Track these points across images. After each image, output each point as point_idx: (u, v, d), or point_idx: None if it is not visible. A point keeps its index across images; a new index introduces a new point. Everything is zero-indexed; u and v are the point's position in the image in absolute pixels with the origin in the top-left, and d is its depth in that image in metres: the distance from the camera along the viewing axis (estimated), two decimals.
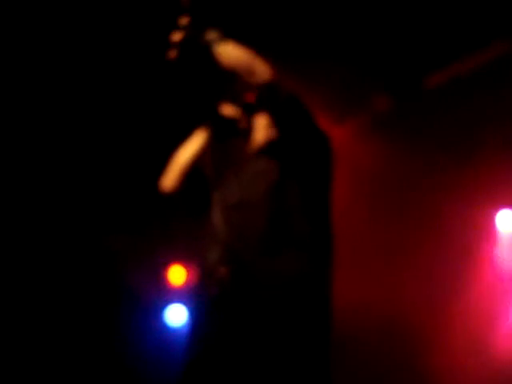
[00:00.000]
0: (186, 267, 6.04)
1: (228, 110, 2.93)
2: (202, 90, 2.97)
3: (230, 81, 2.84)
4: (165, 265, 6.06)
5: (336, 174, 2.83)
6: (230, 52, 2.77)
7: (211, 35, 2.80)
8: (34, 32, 4.55)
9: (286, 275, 2.61)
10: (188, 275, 6.01)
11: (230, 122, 2.92)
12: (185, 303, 5.88)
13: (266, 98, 2.76)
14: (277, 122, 2.82)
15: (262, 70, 2.76)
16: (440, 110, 5.03)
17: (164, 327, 5.94)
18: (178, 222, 5.66)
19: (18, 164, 5.30)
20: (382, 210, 5.36)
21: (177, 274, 6.06)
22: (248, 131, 2.92)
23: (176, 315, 5.94)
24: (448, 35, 4.67)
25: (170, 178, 2.96)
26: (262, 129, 2.92)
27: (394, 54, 4.78)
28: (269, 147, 2.90)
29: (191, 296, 2.90)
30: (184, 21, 2.79)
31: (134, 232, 5.95)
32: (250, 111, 2.95)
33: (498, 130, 5.00)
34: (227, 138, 2.94)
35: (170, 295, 6.01)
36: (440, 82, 4.97)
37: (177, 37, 2.77)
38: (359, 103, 5.20)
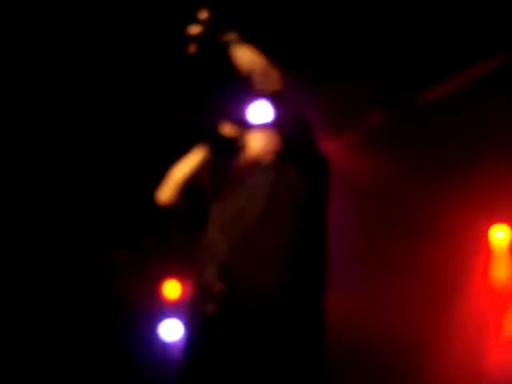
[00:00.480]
0: (181, 282, 6.03)
1: (228, 129, 2.95)
2: (213, 88, 3.03)
3: (243, 84, 2.87)
4: (160, 279, 6.06)
5: (331, 189, 2.84)
6: (247, 55, 2.80)
7: (230, 36, 2.83)
8: (38, 31, 4.54)
9: (282, 290, 2.60)
10: (183, 290, 6.01)
11: (229, 141, 2.94)
12: (180, 318, 5.87)
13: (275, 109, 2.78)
14: (281, 136, 2.84)
15: (274, 77, 2.79)
16: (433, 124, 5.06)
17: (159, 341, 5.92)
18: (174, 236, 5.69)
19: (18, 171, 5.29)
20: (376, 222, 5.37)
21: (172, 289, 6.05)
22: (244, 146, 2.94)
23: (171, 330, 5.93)
24: (441, 51, 4.71)
25: (166, 192, 2.96)
26: (257, 141, 2.94)
27: (388, 69, 4.81)
28: (268, 161, 2.93)
29: (186, 311, 2.89)
30: (204, 16, 2.82)
31: (130, 245, 5.96)
32: (245, 126, 2.99)
33: (492, 145, 5.04)
34: (226, 155, 2.96)
35: (165, 310, 6.01)
36: (434, 97, 5.00)
37: (195, 30, 2.80)
38: (353, 117, 5.23)
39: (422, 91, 5.05)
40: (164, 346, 5.87)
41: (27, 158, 5.26)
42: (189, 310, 2.79)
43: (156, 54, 4.65)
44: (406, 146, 5.18)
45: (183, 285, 6.05)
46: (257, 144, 2.95)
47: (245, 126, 3.00)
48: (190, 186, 2.95)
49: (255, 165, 2.95)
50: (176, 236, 5.72)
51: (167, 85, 4.88)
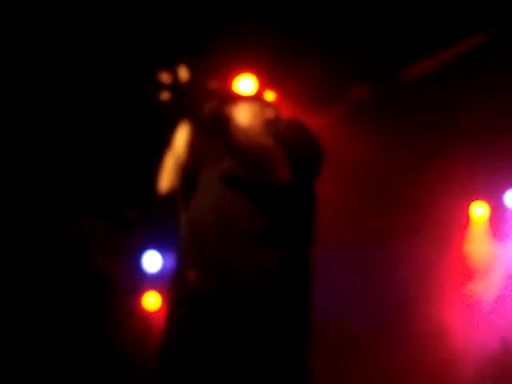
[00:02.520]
0: (161, 253, 6.03)
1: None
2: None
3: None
4: (141, 250, 6.04)
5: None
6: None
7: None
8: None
9: (265, 271, 2.50)
10: (164, 262, 6.00)
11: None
12: (160, 290, 5.88)
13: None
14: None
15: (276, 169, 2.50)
16: (417, 101, 5.08)
17: (140, 313, 5.93)
18: (155, 206, 5.67)
19: None
20: (361, 198, 5.40)
21: (151, 301, 6.02)
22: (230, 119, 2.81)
23: (152, 301, 5.94)
24: (426, 26, 4.71)
25: (166, 181, 2.84)
26: (244, 113, 2.79)
27: (374, 44, 4.80)
28: None
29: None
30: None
31: (110, 216, 5.92)
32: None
33: (475, 121, 5.08)
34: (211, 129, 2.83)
35: (145, 282, 6.00)
36: (418, 74, 5.01)
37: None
38: (339, 93, 5.22)
39: (407, 66, 5.05)
40: (145, 317, 5.88)
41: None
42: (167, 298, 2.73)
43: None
44: (390, 121, 5.20)
45: (164, 257, 6.05)
46: (244, 115, 2.79)
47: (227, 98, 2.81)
48: (187, 167, 2.83)
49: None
50: (157, 206, 5.70)
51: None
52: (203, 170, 2.83)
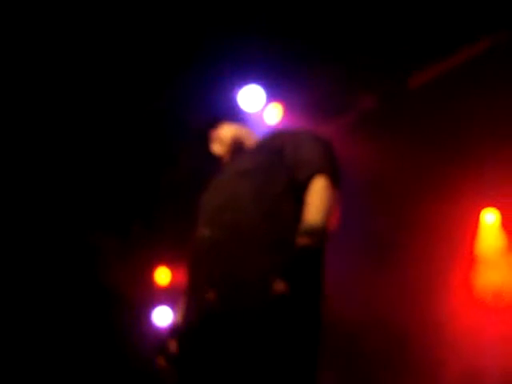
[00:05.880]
0: (171, 268, 6.02)
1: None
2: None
3: None
4: (151, 265, 6.04)
5: None
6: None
7: None
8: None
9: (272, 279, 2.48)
10: (174, 276, 5.99)
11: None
12: (171, 305, 5.86)
13: None
14: None
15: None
16: (426, 108, 5.06)
17: (151, 328, 5.91)
18: (163, 222, 5.66)
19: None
20: (367, 207, 5.38)
21: (163, 275, 6.02)
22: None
23: (163, 316, 5.91)
24: (432, 34, 4.70)
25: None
26: (227, 131, 3.11)
27: (380, 52, 4.79)
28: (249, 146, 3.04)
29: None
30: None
31: (119, 231, 5.92)
32: None
33: (484, 128, 5.05)
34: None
35: (156, 296, 5.99)
36: (425, 80, 4.99)
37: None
38: (345, 101, 5.22)
39: (414, 74, 5.04)
40: (156, 332, 5.86)
41: (11, 142, 5.21)
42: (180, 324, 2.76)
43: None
44: (397, 130, 5.19)
45: (174, 271, 6.04)
46: (227, 133, 3.07)
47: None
48: None
49: (235, 151, 3.01)
50: (165, 221, 5.70)
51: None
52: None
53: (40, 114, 5.06)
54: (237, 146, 3.04)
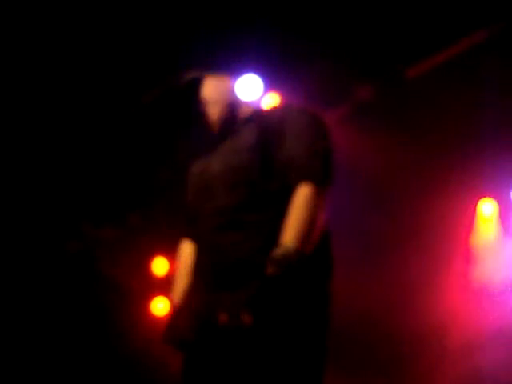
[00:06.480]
0: (169, 259, 6.01)
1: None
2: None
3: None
4: (148, 256, 6.04)
5: None
6: None
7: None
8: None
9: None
10: (171, 266, 5.99)
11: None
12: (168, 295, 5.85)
13: None
14: None
15: None
16: (423, 99, 5.06)
17: (148, 318, 5.92)
18: (161, 211, 5.66)
19: None
20: (366, 199, 5.38)
21: (160, 265, 6.02)
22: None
23: (160, 307, 5.93)
24: (429, 24, 4.69)
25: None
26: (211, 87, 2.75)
27: (376, 43, 4.79)
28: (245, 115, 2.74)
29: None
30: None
31: (116, 221, 5.91)
32: None
33: (482, 118, 5.04)
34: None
35: (153, 286, 5.99)
36: (422, 72, 4.99)
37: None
38: (341, 93, 5.21)
39: (410, 65, 5.03)
40: (154, 322, 5.87)
41: (7, 136, 5.21)
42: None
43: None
44: (393, 122, 5.18)
45: (171, 261, 6.03)
46: (210, 90, 2.72)
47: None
48: None
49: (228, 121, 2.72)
50: (163, 211, 5.69)
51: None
52: None
53: (35, 105, 5.06)
54: (232, 114, 2.72)
